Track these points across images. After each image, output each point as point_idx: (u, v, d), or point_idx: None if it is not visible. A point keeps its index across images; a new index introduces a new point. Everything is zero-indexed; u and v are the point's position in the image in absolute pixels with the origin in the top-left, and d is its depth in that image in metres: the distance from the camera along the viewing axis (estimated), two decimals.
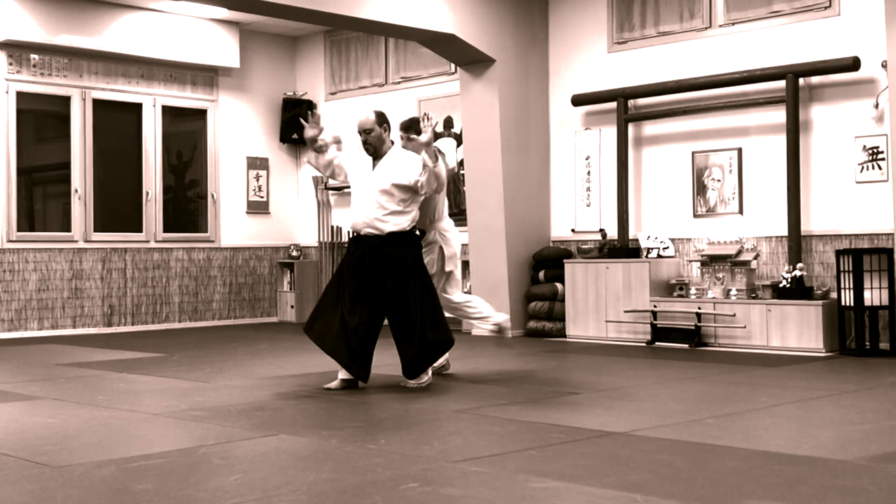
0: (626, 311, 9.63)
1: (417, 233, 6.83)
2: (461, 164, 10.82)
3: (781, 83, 9.12)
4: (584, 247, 10.27)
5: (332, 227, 13.03)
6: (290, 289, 13.15)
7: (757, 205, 9.46)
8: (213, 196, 12.79)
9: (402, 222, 6.62)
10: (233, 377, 7.43)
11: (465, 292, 7.73)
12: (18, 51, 11.25)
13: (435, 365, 6.98)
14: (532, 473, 4.10)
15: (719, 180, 9.69)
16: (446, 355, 7.17)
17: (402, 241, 6.62)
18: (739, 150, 9.58)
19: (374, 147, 6.70)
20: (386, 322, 6.71)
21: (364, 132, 6.68)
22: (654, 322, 9.44)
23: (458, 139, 11.19)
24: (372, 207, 6.60)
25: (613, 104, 10.26)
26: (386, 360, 8.05)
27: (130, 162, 12.17)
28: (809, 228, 9.09)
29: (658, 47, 10.16)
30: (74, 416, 5.71)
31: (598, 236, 10.33)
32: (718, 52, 9.72)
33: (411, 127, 7.19)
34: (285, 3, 9.02)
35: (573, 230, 10.73)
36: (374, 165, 6.71)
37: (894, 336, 8.39)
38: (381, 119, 6.71)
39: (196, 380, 7.28)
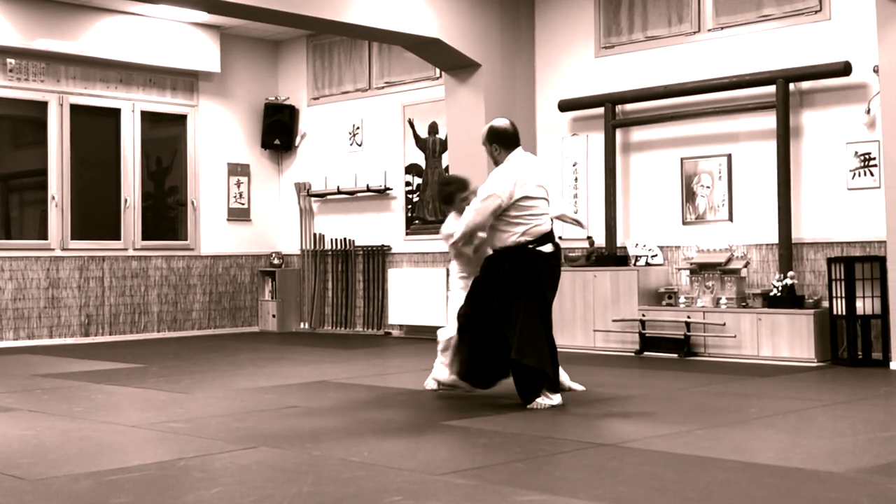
0: (614, 320, 9.53)
1: (539, 248, 6.37)
2: (446, 169, 10.73)
3: (772, 88, 9.04)
4: (571, 255, 10.16)
5: (315, 234, 12.91)
6: (272, 298, 13.01)
7: (747, 212, 9.37)
8: (192, 203, 12.64)
9: (505, 238, 6.33)
10: (213, 388, 7.36)
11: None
12: None
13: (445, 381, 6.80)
14: (518, 486, 4.07)
15: (709, 187, 9.60)
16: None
17: (506, 257, 6.34)
18: (729, 157, 9.49)
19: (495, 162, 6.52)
20: None
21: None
22: (643, 331, 9.34)
23: (444, 145, 11.09)
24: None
25: (601, 110, 10.16)
26: (375, 370, 7.90)
27: (109, 168, 12.04)
28: (800, 236, 9.00)
29: (646, 52, 10.07)
30: (51, 428, 5.67)
31: (586, 244, 10.22)
32: (707, 56, 9.64)
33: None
34: (267, 7, 8.94)
35: (560, 237, 10.50)
36: None
37: (887, 346, 8.31)
38: (490, 136, 6.46)
39: (175, 391, 7.21)
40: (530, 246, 6.29)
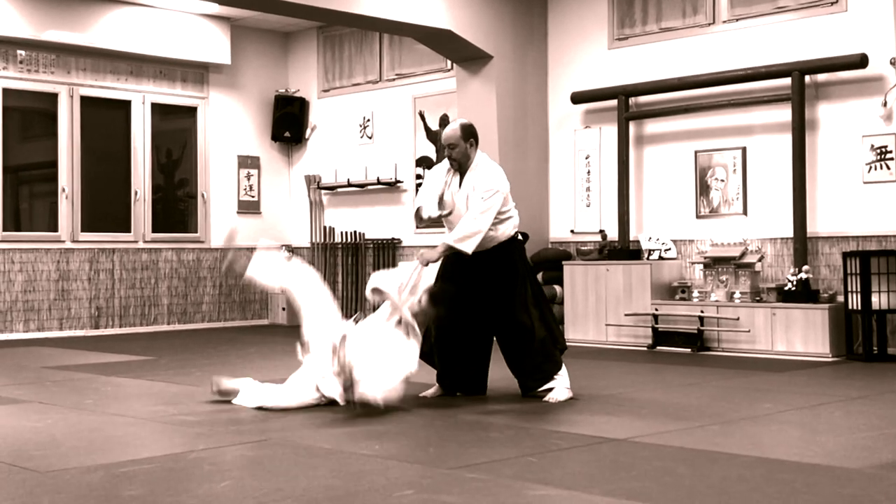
0: (626, 315, 9.47)
1: (520, 237, 6.43)
2: None
3: (787, 81, 8.96)
4: (583, 248, 10.12)
5: (325, 227, 12.86)
6: (282, 290, 12.93)
7: (761, 205, 9.30)
8: (203, 195, 12.61)
9: (499, 236, 6.22)
10: None
11: None
12: (5, 46, 11.08)
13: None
14: (530, 480, 4.05)
15: (723, 180, 9.53)
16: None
17: (504, 250, 6.26)
18: (744, 150, 9.41)
19: (459, 162, 6.28)
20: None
21: (448, 146, 6.26)
22: (656, 326, 9.28)
23: None
24: None
25: (614, 102, 10.10)
26: None
27: (119, 160, 12.01)
28: (815, 230, 8.93)
29: (660, 44, 10.00)
30: (62, 420, 5.65)
31: (598, 237, 10.18)
32: (722, 48, 9.57)
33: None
34: None
35: (572, 231, 10.56)
36: (460, 182, 6.30)
37: None
38: (467, 133, 6.25)
39: (185, 383, 7.18)
40: (518, 237, 6.35)
